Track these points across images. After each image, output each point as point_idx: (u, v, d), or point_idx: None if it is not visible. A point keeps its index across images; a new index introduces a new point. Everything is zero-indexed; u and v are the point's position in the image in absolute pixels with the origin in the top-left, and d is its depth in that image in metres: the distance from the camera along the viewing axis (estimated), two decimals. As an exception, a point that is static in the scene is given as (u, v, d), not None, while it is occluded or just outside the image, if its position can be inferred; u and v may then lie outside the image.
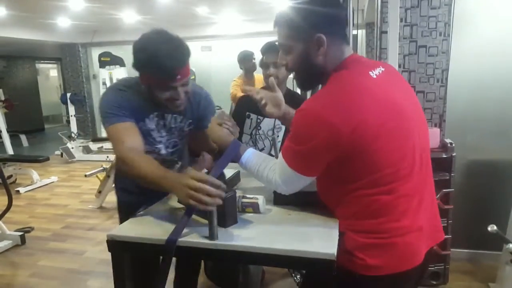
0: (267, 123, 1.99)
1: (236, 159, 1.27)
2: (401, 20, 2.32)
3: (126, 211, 1.39)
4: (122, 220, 1.52)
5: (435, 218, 1.17)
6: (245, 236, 1.07)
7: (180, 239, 1.04)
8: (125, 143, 1.26)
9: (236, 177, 1.56)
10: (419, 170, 1.05)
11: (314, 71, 1.09)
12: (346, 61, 1.07)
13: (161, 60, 1.22)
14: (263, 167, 1.19)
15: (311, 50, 1.05)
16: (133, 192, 1.52)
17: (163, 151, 1.53)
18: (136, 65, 1.29)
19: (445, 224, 2.32)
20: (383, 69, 1.09)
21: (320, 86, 1.15)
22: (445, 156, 2.26)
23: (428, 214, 1.10)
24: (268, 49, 1.96)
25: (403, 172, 1.01)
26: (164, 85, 1.29)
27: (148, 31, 1.29)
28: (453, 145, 2.27)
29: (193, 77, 6.43)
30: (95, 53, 8.39)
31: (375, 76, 1.04)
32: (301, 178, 1.09)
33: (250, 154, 1.25)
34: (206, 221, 1.06)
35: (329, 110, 0.97)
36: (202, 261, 2.60)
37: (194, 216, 1.15)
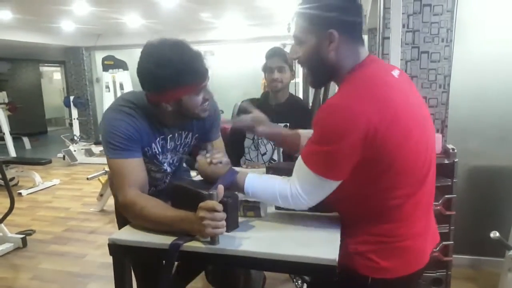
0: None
1: (238, 189, 1.17)
2: (403, 26, 2.32)
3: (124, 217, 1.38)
4: (120, 226, 1.47)
5: (434, 219, 1.20)
6: (247, 241, 1.07)
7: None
8: (132, 186, 1.18)
9: None
10: (430, 178, 1.07)
11: (325, 67, 1.07)
12: (366, 61, 1.06)
13: (191, 65, 1.17)
14: (272, 185, 1.10)
15: (323, 45, 1.04)
16: None
17: (167, 168, 1.48)
18: (159, 84, 1.17)
19: (447, 230, 2.31)
20: (399, 72, 1.09)
21: (336, 88, 1.14)
22: (447, 162, 2.25)
23: (432, 216, 1.15)
24: (273, 54, 1.98)
25: (420, 178, 1.03)
26: (198, 89, 1.23)
27: (149, 49, 1.20)
28: (455, 151, 2.27)
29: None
30: (98, 56, 8.44)
31: (397, 76, 1.05)
32: (327, 184, 1.01)
33: (251, 180, 1.14)
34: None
35: (362, 103, 0.93)
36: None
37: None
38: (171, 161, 1.49)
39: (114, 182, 1.25)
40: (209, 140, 1.53)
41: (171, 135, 1.39)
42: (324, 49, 1.04)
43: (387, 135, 0.92)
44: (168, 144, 1.40)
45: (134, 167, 1.23)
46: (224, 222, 1.00)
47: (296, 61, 1.16)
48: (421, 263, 1.09)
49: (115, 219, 1.65)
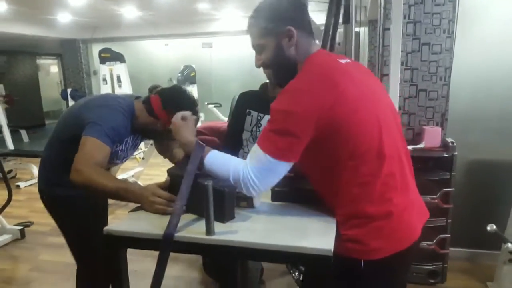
0: (267, 120, 1.98)
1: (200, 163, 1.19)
2: (404, 17, 2.30)
3: (67, 205, 1.64)
4: (66, 216, 1.71)
5: (419, 194, 1.22)
6: (243, 232, 1.06)
7: (177, 234, 1.04)
8: (95, 162, 1.32)
9: None
10: (396, 151, 1.10)
11: (289, 63, 1.15)
12: (315, 53, 1.15)
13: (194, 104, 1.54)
14: (227, 164, 1.12)
15: (283, 43, 1.13)
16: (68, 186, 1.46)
17: (117, 161, 1.67)
18: (177, 107, 1.43)
19: (444, 223, 2.31)
20: (348, 60, 1.18)
21: None
22: (446, 155, 2.25)
23: (414, 191, 1.17)
24: None
25: (384, 149, 1.05)
26: None
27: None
28: (455, 144, 2.26)
29: (193, 73, 6.40)
30: (95, 49, 8.39)
31: (344, 62, 1.13)
32: (278, 167, 1.05)
33: (213, 155, 1.16)
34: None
35: (310, 84, 1.03)
36: (201, 257, 2.61)
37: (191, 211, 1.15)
38: (121, 157, 1.67)
39: (83, 154, 1.33)
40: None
41: (133, 136, 1.63)
42: (285, 45, 1.13)
43: (333, 111, 1.00)
44: (133, 141, 1.64)
45: (106, 155, 1.39)
46: (168, 202, 1.18)
47: (261, 68, 1.22)
48: (411, 239, 1.09)
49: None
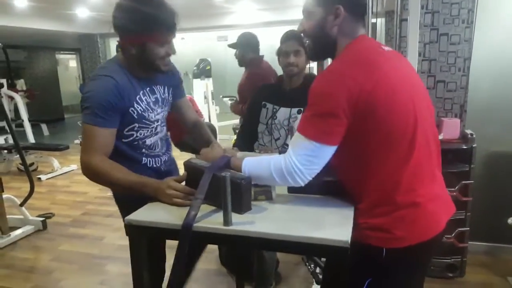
0: (283, 113, 1.98)
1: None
2: (422, 7, 2.25)
3: (127, 207, 1.39)
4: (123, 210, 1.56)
5: (445, 188, 1.21)
6: (259, 222, 1.07)
7: (195, 224, 1.06)
8: (97, 152, 1.29)
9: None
10: (426, 142, 1.10)
11: (327, 41, 1.16)
12: (358, 38, 1.14)
13: (162, 14, 1.27)
14: (267, 161, 1.12)
15: (328, 19, 1.12)
16: None
17: (159, 128, 1.53)
18: (130, 25, 1.28)
19: (463, 217, 2.28)
20: (390, 49, 1.18)
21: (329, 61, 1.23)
22: (465, 147, 2.21)
23: (440, 184, 1.17)
24: (288, 38, 1.95)
25: (417, 139, 1.05)
26: (163, 40, 1.32)
27: None
28: (474, 136, 2.22)
29: (208, 67, 6.42)
30: (113, 43, 8.48)
31: (386, 50, 1.14)
32: (322, 151, 1.03)
33: (248, 160, 1.18)
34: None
35: (349, 68, 1.03)
36: (217, 248, 2.64)
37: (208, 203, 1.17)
38: (160, 118, 1.52)
39: (83, 144, 1.33)
40: (179, 96, 1.66)
41: (148, 88, 1.45)
42: (329, 23, 1.13)
43: (372, 95, 0.99)
44: (150, 97, 1.45)
45: (105, 136, 1.32)
46: (185, 195, 1.18)
47: (302, 34, 1.24)
48: (435, 230, 1.09)
49: None
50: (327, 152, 1.04)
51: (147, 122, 1.45)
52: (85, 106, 1.31)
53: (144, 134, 1.46)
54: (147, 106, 1.43)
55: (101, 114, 1.29)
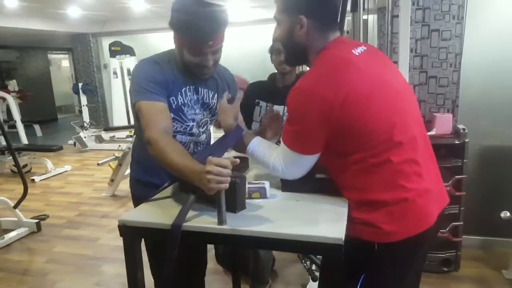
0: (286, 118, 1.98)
1: (242, 147, 1.31)
2: (413, 3, 2.26)
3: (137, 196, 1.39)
4: (136, 203, 1.52)
5: (439, 180, 1.21)
6: (254, 221, 1.08)
7: (189, 224, 1.06)
8: (158, 125, 1.22)
9: (245, 164, 1.57)
10: (411, 139, 1.09)
11: (296, 49, 1.18)
12: (330, 44, 1.14)
13: (196, 22, 1.22)
14: (269, 155, 1.22)
15: (294, 28, 1.13)
16: (147, 186, 1.47)
17: (195, 130, 1.48)
18: (172, 23, 1.27)
19: (457, 211, 2.30)
20: (365, 48, 1.15)
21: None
22: (457, 142, 2.23)
23: (433, 177, 1.16)
24: None
25: (396, 139, 1.06)
26: (196, 49, 1.28)
27: None
28: (466, 131, 2.24)
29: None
30: (105, 42, 8.42)
31: (357, 54, 1.11)
32: (304, 159, 1.13)
33: (256, 143, 1.27)
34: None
35: (318, 85, 1.05)
36: (213, 247, 2.64)
37: (203, 202, 1.16)
38: (197, 119, 1.47)
39: (144, 127, 1.25)
40: None
41: (194, 86, 1.43)
42: (296, 32, 1.14)
43: (343, 109, 1.02)
44: (193, 95, 1.43)
45: (160, 109, 1.28)
46: (228, 179, 1.00)
47: (271, 57, 1.30)
48: (426, 224, 1.09)
49: (126, 203, 1.66)
50: (308, 160, 1.13)
51: (183, 117, 1.42)
52: (135, 87, 1.30)
53: (176, 128, 1.42)
54: (188, 102, 1.42)
55: (151, 90, 1.28)
